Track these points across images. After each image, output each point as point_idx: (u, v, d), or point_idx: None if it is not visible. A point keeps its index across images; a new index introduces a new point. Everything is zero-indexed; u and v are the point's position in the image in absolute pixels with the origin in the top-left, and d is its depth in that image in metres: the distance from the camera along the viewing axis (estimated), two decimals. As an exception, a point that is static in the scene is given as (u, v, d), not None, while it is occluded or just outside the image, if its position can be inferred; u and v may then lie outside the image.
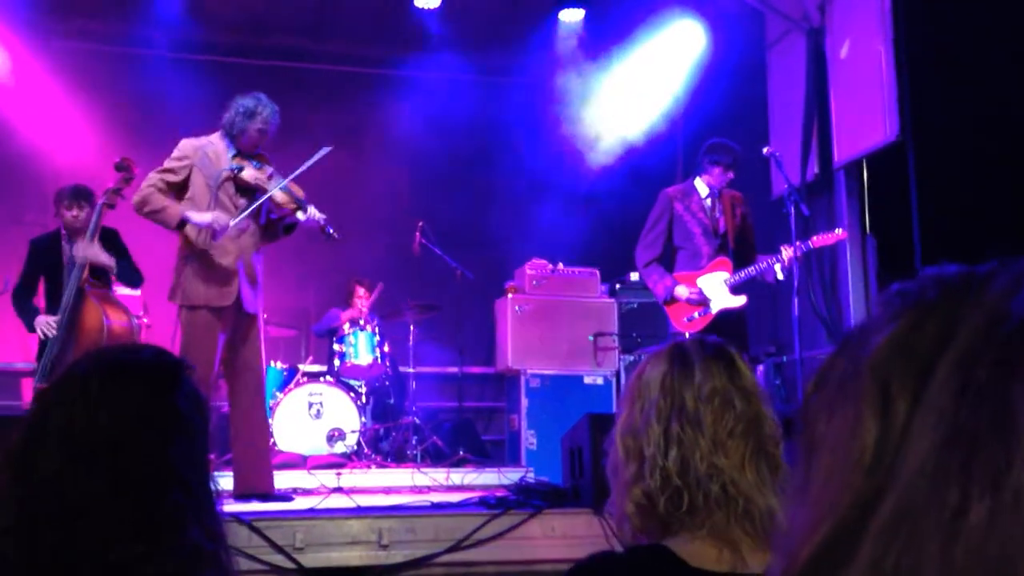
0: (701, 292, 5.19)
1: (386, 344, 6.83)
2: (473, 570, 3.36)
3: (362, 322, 6.86)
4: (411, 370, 6.90)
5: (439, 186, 8.10)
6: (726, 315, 5.18)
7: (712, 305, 5.19)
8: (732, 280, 5.21)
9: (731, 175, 5.35)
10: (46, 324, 5.00)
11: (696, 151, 5.74)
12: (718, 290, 5.20)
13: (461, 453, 6.44)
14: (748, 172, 6.75)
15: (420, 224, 6.99)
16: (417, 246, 6.95)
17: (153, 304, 7.74)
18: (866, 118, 6.51)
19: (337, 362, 6.71)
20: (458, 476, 5.44)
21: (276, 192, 4.64)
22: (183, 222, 4.49)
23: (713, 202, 5.40)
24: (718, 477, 1.35)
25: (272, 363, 6.76)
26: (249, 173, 4.62)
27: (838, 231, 5.36)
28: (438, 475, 5.44)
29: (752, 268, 5.23)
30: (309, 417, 6.33)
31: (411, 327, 6.92)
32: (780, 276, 5.19)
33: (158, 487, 1.23)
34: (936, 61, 5.90)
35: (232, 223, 4.49)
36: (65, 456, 1.21)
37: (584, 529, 3.42)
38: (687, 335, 5.09)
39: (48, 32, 7.83)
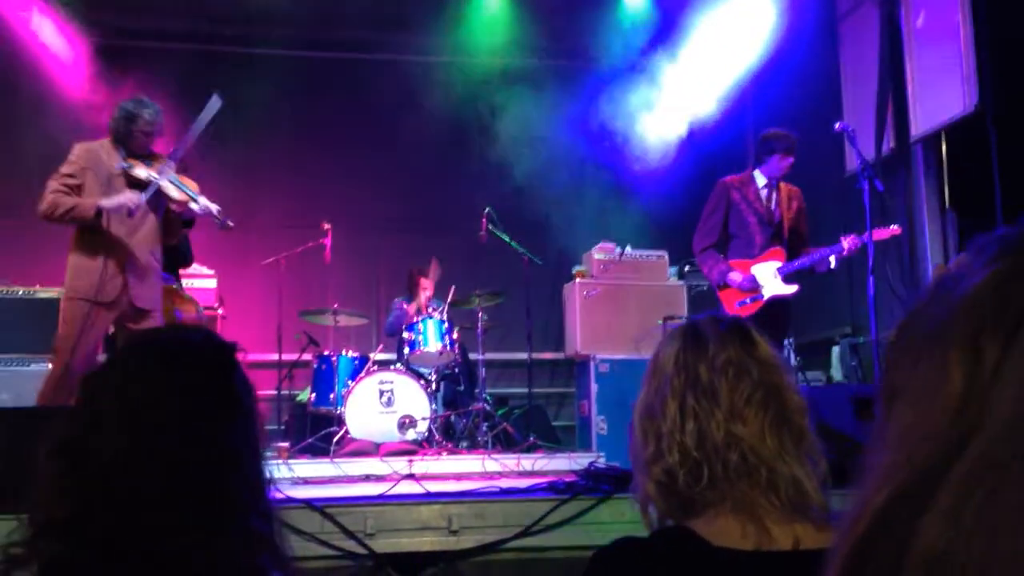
0: (754, 279, 5.33)
1: (455, 331, 6.84)
2: (542, 555, 3.35)
3: (430, 309, 6.88)
4: (481, 357, 6.91)
5: (505, 172, 8.08)
6: (775, 302, 5.31)
7: (764, 292, 5.32)
8: (784, 269, 5.32)
9: (790, 160, 5.42)
10: None
11: (767, 129, 5.66)
12: (770, 278, 5.34)
13: (532, 439, 6.43)
14: (820, 149, 6.59)
15: (487, 211, 6.98)
16: (484, 233, 6.95)
17: (229, 297, 7.91)
18: (944, 89, 6.29)
19: (407, 350, 6.75)
20: (529, 462, 5.43)
21: (169, 187, 4.74)
22: (99, 211, 4.60)
23: (770, 192, 5.50)
24: (736, 445, 1.32)
25: (343, 352, 6.84)
26: (140, 171, 4.72)
27: (893, 227, 5.31)
28: (509, 461, 5.44)
29: (805, 258, 5.35)
30: (380, 405, 6.38)
31: (480, 314, 6.92)
32: (833, 265, 5.32)
33: (218, 472, 1.21)
34: (1017, 27, 5.66)
35: (143, 198, 4.60)
36: (125, 441, 1.17)
37: (654, 514, 3.39)
38: None
39: (97, 28, 7.97)
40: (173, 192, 4.76)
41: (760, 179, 5.50)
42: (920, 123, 6.64)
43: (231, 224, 4.85)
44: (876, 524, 0.53)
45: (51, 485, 1.19)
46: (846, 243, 5.22)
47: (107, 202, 4.60)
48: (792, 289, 5.33)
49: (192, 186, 4.85)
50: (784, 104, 7.64)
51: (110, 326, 4.80)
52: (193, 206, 4.77)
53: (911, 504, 0.51)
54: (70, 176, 4.73)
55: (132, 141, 4.77)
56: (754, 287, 5.31)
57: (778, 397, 1.36)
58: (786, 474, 1.31)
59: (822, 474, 1.35)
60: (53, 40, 7.51)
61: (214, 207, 4.78)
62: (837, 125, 5.46)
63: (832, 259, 5.28)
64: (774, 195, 5.49)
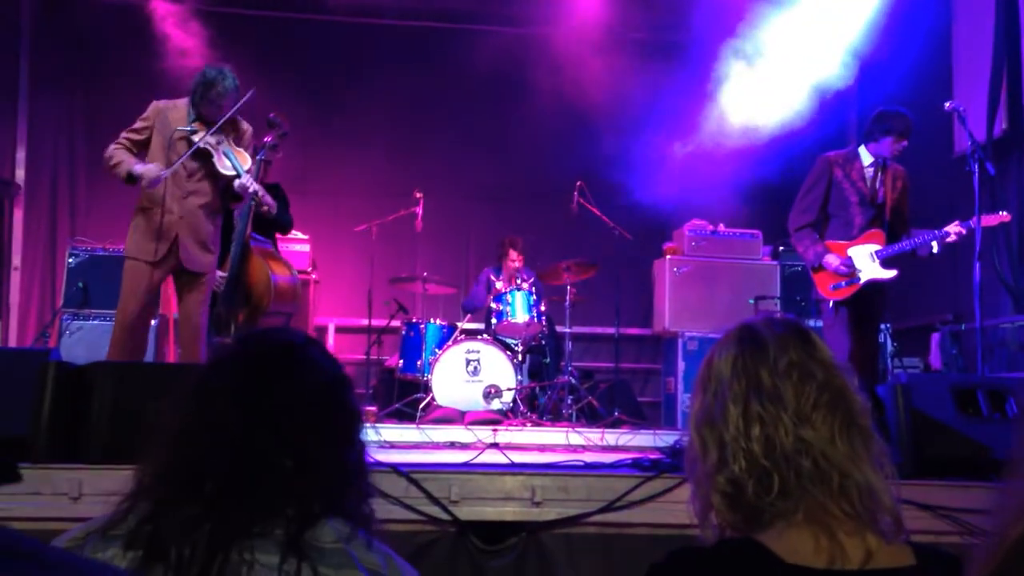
0: (851, 262, 5.15)
1: (543, 304, 6.85)
2: (624, 531, 3.33)
3: (518, 280, 6.91)
4: (568, 330, 6.91)
5: (597, 145, 8.01)
6: (872, 286, 5.13)
7: (861, 276, 5.13)
8: (883, 252, 5.12)
9: (904, 144, 5.18)
10: (216, 280, 5.30)
11: (871, 108, 5.45)
12: (868, 261, 5.14)
13: (616, 414, 6.41)
14: (928, 129, 6.34)
15: (579, 184, 6.96)
16: (575, 206, 6.92)
17: (321, 262, 8.07)
18: (1065, 68, 5.97)
19: (494, 320, 6.79)
20: (613, 437, 5.41)
21: (220, 159, 4.85)
22: (131, 175, 4.76)
23: (875, 172, 5.25)
24: (808, 451, 1.27)
25: (431, 320, 6.92)
26: (196, 136, 4.82)
27: (1002, 213, 5.08)
28: (593, 435, 5.43)
29: (906, 242, 5.13)
30: (466, 374, 6.45)
31: (568, 287, 6.92)
32: (935, 250, 5.08)
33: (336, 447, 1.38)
34: None
35: (164, 173, 4.72)
36: (252, 409, 1.31)
37: (740, 496, 3.34)
38: (831, 303, 5.12)
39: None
40: (219, 164, 4.89)
41: (866, 157, 5.24)
42: (1037, 103, 6.33)
43: (265, 208, 5.02)
44: (1011, 558, 0.49)
45: (172, 440, 1.26)
46: (952, 230, 5.00)
47: (139, 168, 4.76)
48: (890, 274, 5.11)
49: (244, 162, 4.94)
50: (891, 80, 7.36)
51: (159, 286, 4.94)
52: (235, 182, 4.90)
53: None
54: (136, 132, 4.93)
55: (204, 107, 4.89)
56: (850, 271, 5.12)
57: (844, 400, 1.32)
58: (859, 480, 1.26)
59: (890, 477, 1.30)
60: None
61: (252, 188, 4.89)
62: (948, 104, 5.24)
63: (934, 244, 5.06)
64: (879, 175, 5.23)
